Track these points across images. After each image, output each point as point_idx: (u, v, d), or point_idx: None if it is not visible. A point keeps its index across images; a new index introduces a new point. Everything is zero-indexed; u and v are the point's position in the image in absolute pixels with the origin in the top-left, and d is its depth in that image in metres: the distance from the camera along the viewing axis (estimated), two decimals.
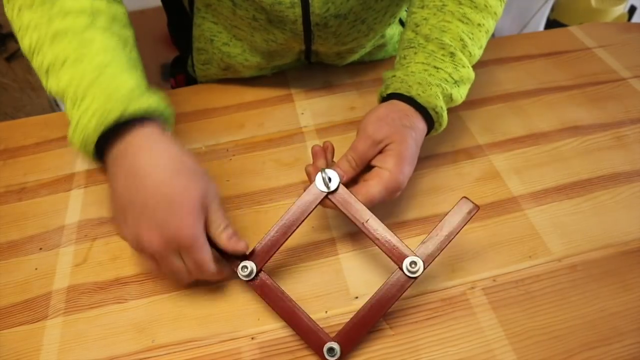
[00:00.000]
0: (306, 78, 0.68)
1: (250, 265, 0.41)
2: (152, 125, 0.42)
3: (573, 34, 0.74)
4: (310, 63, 0.69)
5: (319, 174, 0.42)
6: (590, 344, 0.41)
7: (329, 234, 0.49)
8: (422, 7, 0.52)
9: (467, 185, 0.53)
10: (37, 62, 0.44)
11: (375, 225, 0.42)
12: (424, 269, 0.40)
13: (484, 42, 0.52)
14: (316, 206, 0.42)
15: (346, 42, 0.61)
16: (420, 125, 0.47)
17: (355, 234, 0.49)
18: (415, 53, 0.50)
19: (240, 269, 0.41)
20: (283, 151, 0.58)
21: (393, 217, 0.50)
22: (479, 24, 0.51)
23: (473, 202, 0.41)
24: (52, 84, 0.43)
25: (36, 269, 0.48)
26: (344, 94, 0.66)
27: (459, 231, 0.41)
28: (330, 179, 0.42)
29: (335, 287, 0.45)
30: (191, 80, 0.74)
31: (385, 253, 0.41)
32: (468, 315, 0.43)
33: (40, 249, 0.50)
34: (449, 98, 0.49)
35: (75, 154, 0.60)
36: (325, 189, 0.42)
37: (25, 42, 0.44)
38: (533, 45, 0.72)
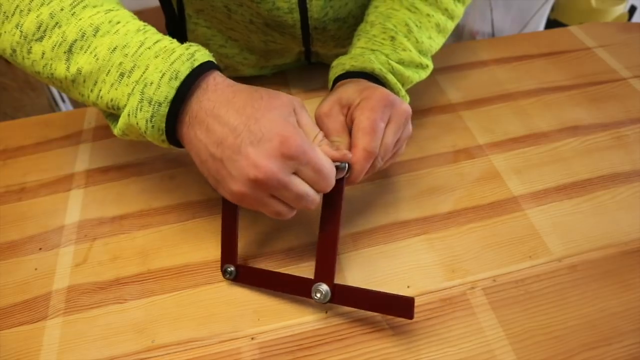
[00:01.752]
0: (306, 78, 0.68)
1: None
2: (215, 73, 0.39)
3: (573, 34, 0.74)
4: (311, 63, 0.69)
5: None
6: (590, 344, 0.41)
7: None
8: None
9: (467, 185, 0.53)
10: (51, 43, 0.38)
11: (324, 235, 0.42)
12: (327, 299, 0.41)
13: (434, 34, 0.52)
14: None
15: (345, 45, 0.61)
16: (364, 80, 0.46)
17: (356, 234, 0.49)
18: (359, 39, 0.51)
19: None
20: None
21: (393, 217, 0.50)
22: (427, 14, 0.51)
23: (412, 309, 0.38)
24: (83, 61, 0.38)
25: (36, 269, 0.48)
26: None
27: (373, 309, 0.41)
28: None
29: None
30: None
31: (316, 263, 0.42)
32: (468, 315, 0.43)
33: (40, 249, 0.50)
34: (389, 67, 0.48)
35: (75, 154, 0.60)
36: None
37: (30, 21, 0.38)
38: (533, 45, 0.72)
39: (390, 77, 0.48)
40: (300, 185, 0.37)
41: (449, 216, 0.50)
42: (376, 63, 0.47)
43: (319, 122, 0.44)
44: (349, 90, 0.44)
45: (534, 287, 0.44)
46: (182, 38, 0.65)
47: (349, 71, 0.48)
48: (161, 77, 0.36)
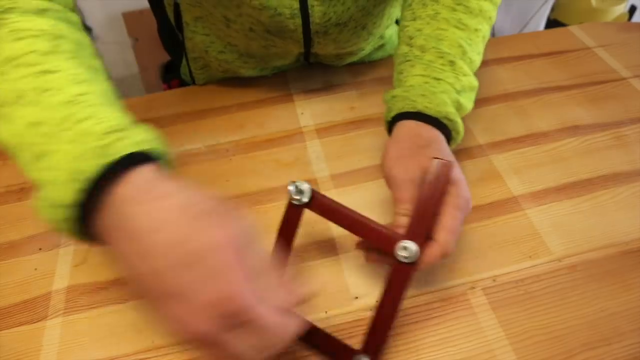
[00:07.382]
0: (306, 78, 0.68)
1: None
2: (145, 169, 0.31)
3: (573, 34, 0.74)
4: (310, 63, 0.69)
5: (290, 187, 0.40)
6: (590, 344, 0.41)
7: (329, 234, 0.49)
8: (414, 19, 0.50)
9: (467, 185, 0.53)
10: None
11: (361, 221, 0.40)
12: (419, 252, 0.37)
13: (481, 48, 0.50)
14: (299, 222, 0.41)
15: (345, 47, 0.61)
16: (435, 132, 0.44)
17: None
18: (412, 66, 0.47)
19: None
20: (283, 151, 0.58)
21: (393, 217, 0.50)
22: (475, 29, 0.48)
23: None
24: (3, 130, 0.32)
25: (36, 269, 0.48)
26: (343, 94, 0.66)
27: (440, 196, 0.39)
28: (302, 191, 0.40)
29: (335, 287, 0.45)
30: (185, 85, 0.73)
31: (376, 244, 0.39)
32: (468, 315, 0.43)
33: (40, 249, 0.50)
34: (457, 104, 0.46)
35: None
36: (300, 202, 0.40)
37: None
38: (533, 45, 0.72)
39: (460, 123, 0.45)
40: (237, 346, 0.29)
41: None
42: (449, 105, 0.44)
43: (391, 180, 0.42)
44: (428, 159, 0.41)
45: (534, 287, 0.44)
46: (177, 46, 0.65)
47: (421, 112, 0.44)
48: (62, 175, 0.30)
